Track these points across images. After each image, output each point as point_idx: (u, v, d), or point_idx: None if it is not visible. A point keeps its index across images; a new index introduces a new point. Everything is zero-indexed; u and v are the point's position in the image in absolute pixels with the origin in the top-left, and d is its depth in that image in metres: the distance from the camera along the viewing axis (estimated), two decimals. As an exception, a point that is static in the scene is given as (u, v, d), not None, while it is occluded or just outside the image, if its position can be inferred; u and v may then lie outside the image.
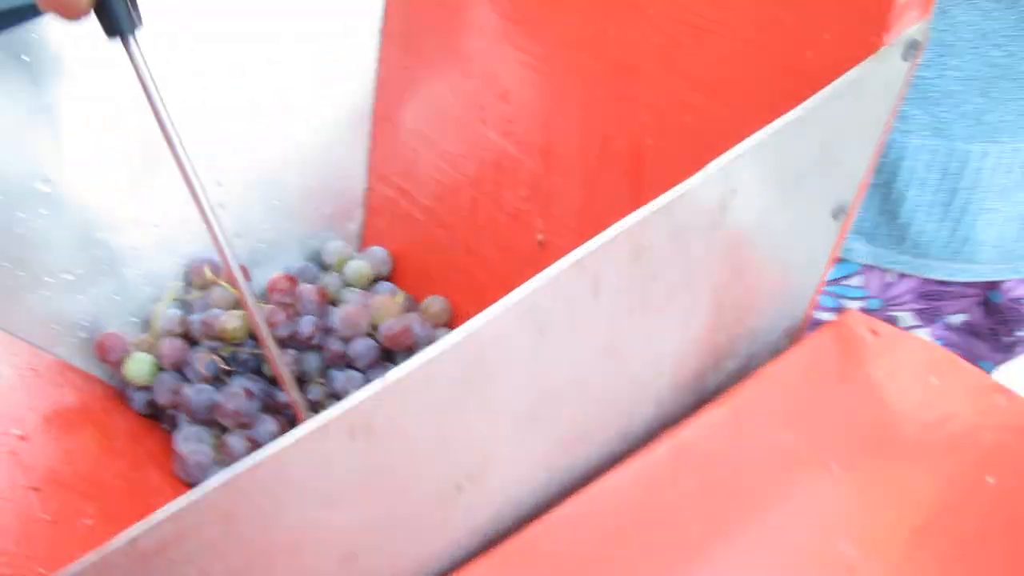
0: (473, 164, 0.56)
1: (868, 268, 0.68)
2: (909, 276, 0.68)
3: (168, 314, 0.54)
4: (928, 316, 0.71)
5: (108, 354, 0.53)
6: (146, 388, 0.54)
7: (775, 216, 0.40)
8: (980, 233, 0.66)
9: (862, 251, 0.67)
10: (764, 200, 0.39)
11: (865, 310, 0.69)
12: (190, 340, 0.54)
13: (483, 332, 0.31)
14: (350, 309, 0.55)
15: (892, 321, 0.70)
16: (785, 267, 0.43)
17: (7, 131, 0.50)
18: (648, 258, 0.36)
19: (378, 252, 0.60)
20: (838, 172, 0.42)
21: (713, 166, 0.36)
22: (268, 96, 0.58)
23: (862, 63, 0.39)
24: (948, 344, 0.74)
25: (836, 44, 0.42)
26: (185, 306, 0.56)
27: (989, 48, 0.59)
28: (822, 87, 0.39)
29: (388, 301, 0.56)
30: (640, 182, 0.41)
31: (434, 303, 0.57)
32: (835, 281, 0.69)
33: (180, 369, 0.54)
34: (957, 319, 0.74)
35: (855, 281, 0.69)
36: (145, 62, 0.43)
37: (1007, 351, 0.75)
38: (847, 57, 0.40)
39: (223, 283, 0.56)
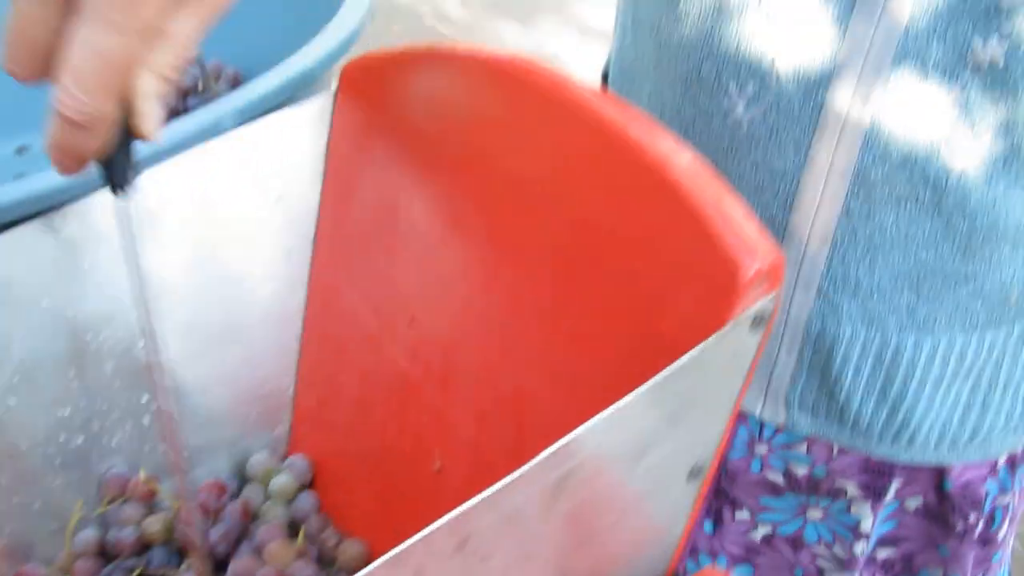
0: (383, 383, 0.58)
1: (813, 440, 0.69)
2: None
3: (80, 536, 0.57)
4: (875, 492, 0.71)
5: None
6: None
7: (620, 487, 0.42)
8: (920, 419, 0.67)
9: (804, 424, 0.68)
10: (607, 475, 0.41)
11: (810, 477, 0.70)
12: (107, 556, 0.57)
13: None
14: (240, 563, 0.57)
15: (839, 492, 0.71)
16: (638, 530, 0.44)
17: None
18: (476, 543, 0.37)
19: (300, 464, 0.62)
20: (691, 439, 0.43)
21: (545, 454, 0.38)
22: (202, 306, 0.61)
23: (709, 338, 0.41)
24: (902, 529, 0.74)
25: (689, 315, 0.44)
26: (100, 521, 0.58)
27: (917, 249, 0.61)
28: (676, 356, 0.41)
29: (282, 549, 0.58)
30: (522, 425, 0.43)
31: (348, 549, 0.59)
32: (784, 446, 0.71)
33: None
34: (912, 503, 0.74)
35: (801, 448, 0.70)
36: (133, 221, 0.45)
37: (980, 547, 0.75)
38: (699, 328, 0.42)
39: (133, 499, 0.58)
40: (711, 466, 0.45)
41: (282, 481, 0.61)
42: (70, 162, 0.40)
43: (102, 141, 0.39)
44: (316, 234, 0.64)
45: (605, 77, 0.77)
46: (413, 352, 0.57)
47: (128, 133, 0.40)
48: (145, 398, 0.60)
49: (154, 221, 0.59)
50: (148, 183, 0.58)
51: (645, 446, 0.42)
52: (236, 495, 0.62)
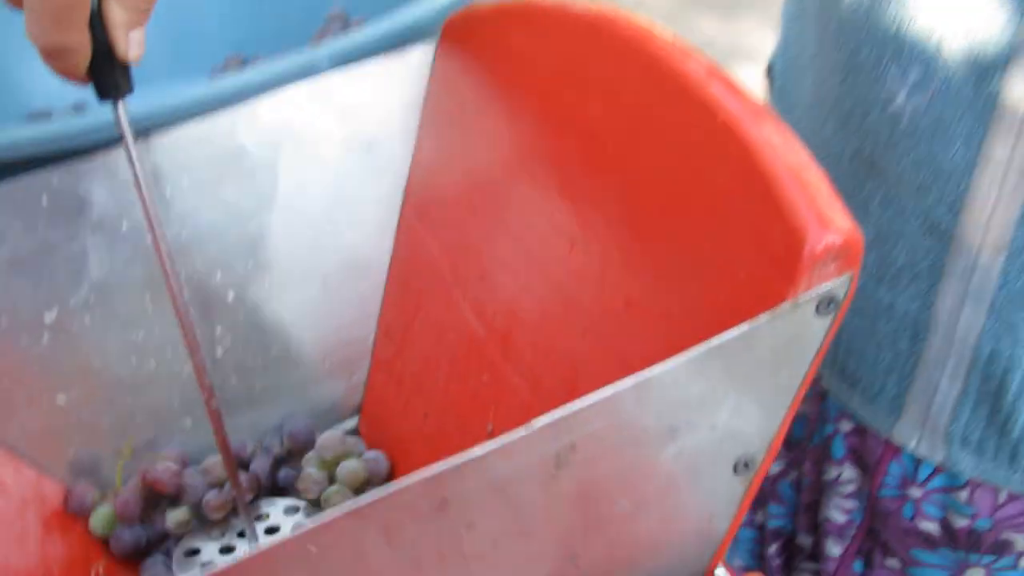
0: (451, 339, 0.56)
1: (977, 483, 0.61)
2: None
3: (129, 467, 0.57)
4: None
5: (73, 509, 0.56)
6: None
7: (643, 470, 0.37)
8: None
9: (968, 465, 0.60)
10: (625, 455, 0.37)
11: (971, 531, 0.62)
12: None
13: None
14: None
15: (1005, 546, 0.62)
16: (670, 521, 0.40)
17: (23, 262, 0.54)
18: (459, 508, 0.34)
19: (381, 464, 0.59)
20: (738, 427, 0.39)
21: (540, 421, 0.34)
22: (286, 245, 0.60)
23: (761, 316, 0.36)
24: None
25: (748, 288, 0.39)
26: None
27: None
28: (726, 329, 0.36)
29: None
30: (574, 394, 0.39)
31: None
32: (943, 490, 0.62)
33: (142, 522, 0.56)
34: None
35: (962, 495, 0.61)
36: (131, 131, 0.48)
37: None
38: (757, 303, 0.37)
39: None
40: (764, 460, 0.40)
41: (353, 467, 0.59)
42: (62, 76, 0.44)
43: (78, 65, 0.43)
44: (407, 185, 0.61)
45: (770, 71, 0.71)
46: (481, 309, 0.54)
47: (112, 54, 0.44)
48: (219, 330, 0.60)
49: (241, 154, 0.58)
50: (239, 117, 0.58)
51: (675, 427, 0.37)
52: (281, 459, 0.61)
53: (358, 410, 0.63)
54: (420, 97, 0.61)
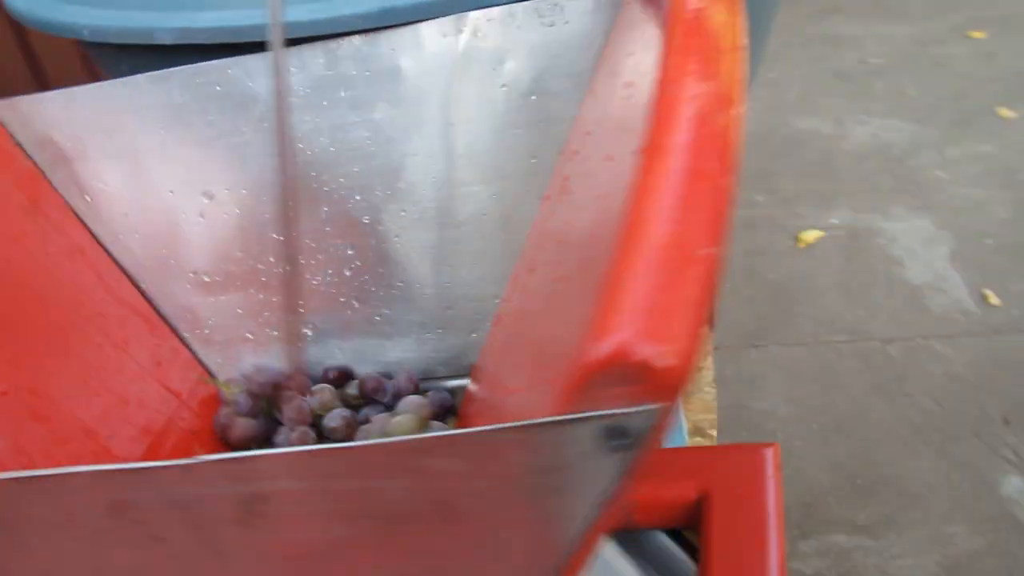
0: (531, 304, 0.50)
1: None
2: None
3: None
4: None
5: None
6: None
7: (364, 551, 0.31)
8: None
9: None
10: (337, 528, 0.31)
11: None
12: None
13: None
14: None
15: None
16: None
17: (187, 151, 0.58)
18: (137, 515, 0.32)
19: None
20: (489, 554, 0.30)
21: (212, 457, 0.30)
22: (426, 175, 0.57)
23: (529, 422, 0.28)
24: None
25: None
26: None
27: None
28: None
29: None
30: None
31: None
32: None
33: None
34: None
35: None
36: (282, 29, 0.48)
37: None
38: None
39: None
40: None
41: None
42: None
43: None
44: (567, 141, 0.55)
45: None
46: (552, 272, 0.48)
47: None
48: (350, 252, 0.59)
49: (398, 78, 0.56)
50: (403, 38, 0.55)
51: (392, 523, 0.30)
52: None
53: (468, 372, 0.60)
54: (597, 46, 0.53)
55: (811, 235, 1.48)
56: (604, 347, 0.26)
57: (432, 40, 0.55)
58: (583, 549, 0.30)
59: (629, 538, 0.62)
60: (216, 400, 0.62)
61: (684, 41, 0.36)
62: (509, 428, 0.27)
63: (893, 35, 2.11)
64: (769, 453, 0.63)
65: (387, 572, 0.31)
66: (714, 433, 1.23)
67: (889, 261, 1.40)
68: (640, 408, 0.26)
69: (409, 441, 0.28)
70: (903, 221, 1.48)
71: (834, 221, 1.50)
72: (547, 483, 0.28)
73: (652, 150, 0.30)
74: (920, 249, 1.41)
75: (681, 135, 0.31)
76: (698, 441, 1.23)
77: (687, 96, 0.33)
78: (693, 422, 1.23)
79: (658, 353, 0.26)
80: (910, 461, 1.07)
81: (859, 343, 1.26)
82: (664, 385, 0.26)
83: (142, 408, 0.59)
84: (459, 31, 0.55)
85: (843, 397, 1.18)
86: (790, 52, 2.07)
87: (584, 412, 0.27)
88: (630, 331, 0.26)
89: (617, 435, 0.27)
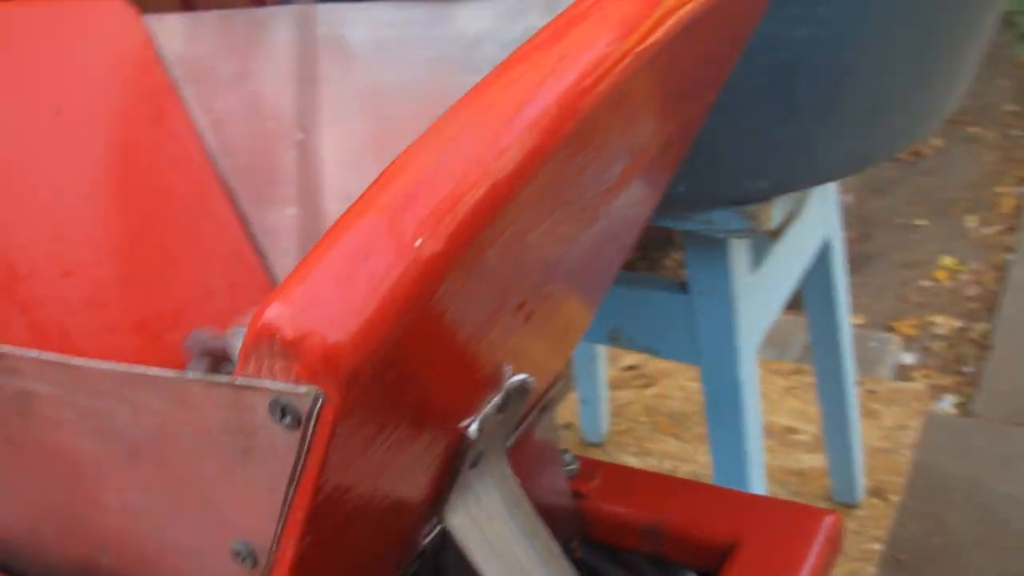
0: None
1: None
2: None
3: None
4: None
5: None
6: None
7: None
8: None
9: None
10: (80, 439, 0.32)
11: None
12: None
13: None
14: None
15: None
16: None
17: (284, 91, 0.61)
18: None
19: None
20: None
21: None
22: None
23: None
24: None
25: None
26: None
27: None
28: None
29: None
30: None
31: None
32: None
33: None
34: None
35: None
36: None
37: None
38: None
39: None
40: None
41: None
42: None
43: None
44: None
45: None
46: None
47: None
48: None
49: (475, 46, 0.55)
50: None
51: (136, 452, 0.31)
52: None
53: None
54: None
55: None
56: (266, 315, 0.25)
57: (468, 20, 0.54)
58: (290, 532, 0.29)
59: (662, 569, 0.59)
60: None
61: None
62: (199, 380, 0.27)
63: None
64: (828, 521, 0.58)
65: (134, 498, 0.32)
66: (895, 498, 1.12)
67: None
68: (300, 389, 0.25)
69: (122, 371, 0.28)
70: None
71: None
72: (236, 444, 0.28)
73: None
74: None
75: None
76: (873, 502, 1.13)
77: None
78: (874, 481, 1.13)
79: (309, 333, 0.24)
80: None
81: None
82: (317, 368, 0.25)
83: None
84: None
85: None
86: None
87: (251, 379, 0.26)
88: (294, 306, 0.25)
89: (286, 413, 0.26)
